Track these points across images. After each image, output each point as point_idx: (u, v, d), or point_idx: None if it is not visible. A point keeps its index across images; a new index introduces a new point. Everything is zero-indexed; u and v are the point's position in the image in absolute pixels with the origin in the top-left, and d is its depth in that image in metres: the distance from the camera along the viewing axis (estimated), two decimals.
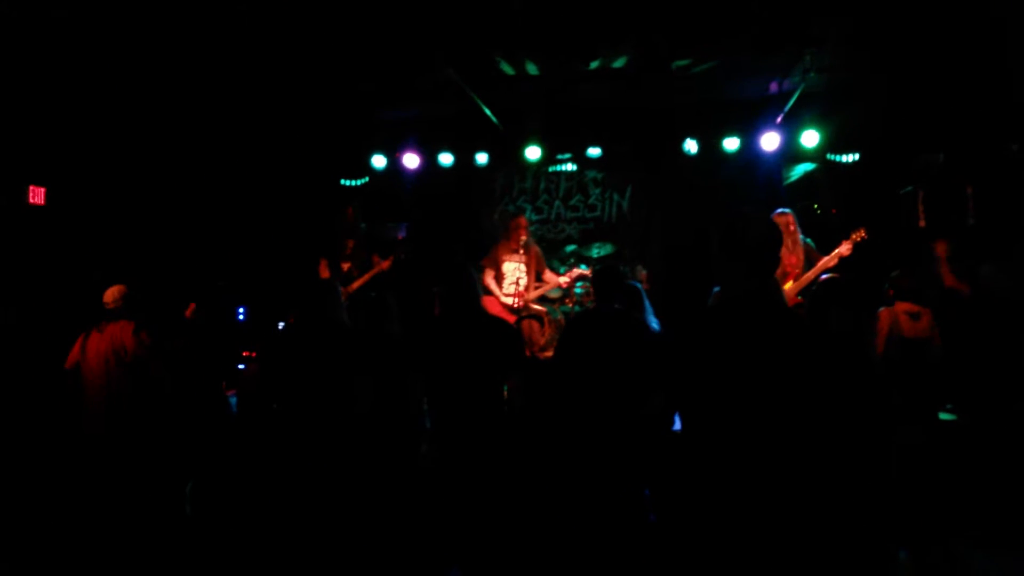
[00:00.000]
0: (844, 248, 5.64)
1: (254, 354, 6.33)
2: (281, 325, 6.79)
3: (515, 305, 6.73)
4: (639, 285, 4.57)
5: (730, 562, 2.03)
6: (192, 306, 5.72)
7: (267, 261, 7.85)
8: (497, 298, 6.81)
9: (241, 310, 7.36)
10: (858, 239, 5.62)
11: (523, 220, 6.97)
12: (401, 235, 8.70)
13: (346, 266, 6.86)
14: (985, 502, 4.24)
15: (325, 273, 6.76)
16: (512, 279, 6.85)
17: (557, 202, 8.85)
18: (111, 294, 4.89)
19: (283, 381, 3.95)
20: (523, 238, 6.82)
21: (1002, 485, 4.28)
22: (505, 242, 6.96)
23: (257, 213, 7.94)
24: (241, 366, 6.22)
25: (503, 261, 6.93)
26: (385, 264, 6.75)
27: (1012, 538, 4.05)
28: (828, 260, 5.64)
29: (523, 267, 6.86)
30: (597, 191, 8.80)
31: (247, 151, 7.71)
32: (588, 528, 3.74)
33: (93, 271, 5.98)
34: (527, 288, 6.82)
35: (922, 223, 6.87)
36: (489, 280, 6.87)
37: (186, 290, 6.23)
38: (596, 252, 8.67)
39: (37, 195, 6.33)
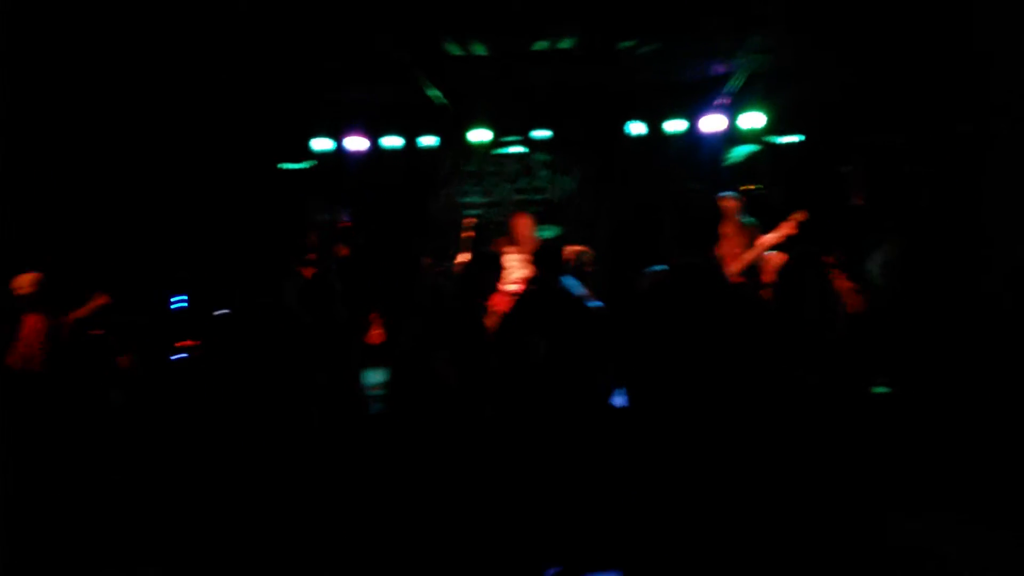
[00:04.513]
0: (784, 228, 5.73)
1: (196, 343, 6.15)
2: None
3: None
4: None
5: None
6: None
7: (206, 249, 7.63)
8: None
9: (180, 299, 7.12)
10: (798, 221, 5.72)
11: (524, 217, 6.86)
12: (345, 220, 8.56)
13: (312, 257, 6.80)
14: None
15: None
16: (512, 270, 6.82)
17: (505, 184, 8.83)
18: (24, 281, 4.75)
19: None
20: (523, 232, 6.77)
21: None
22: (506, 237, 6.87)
23: (195, 199, 7.71)
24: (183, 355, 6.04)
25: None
26: (343, 250, 6.72)
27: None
28: (768, 240, 5.73)
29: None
30: (545, 173, 8.79)
31: (183, 134, 7.47)
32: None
33: (43, 257, 5.79)
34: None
35: (859, 201, 7.03)
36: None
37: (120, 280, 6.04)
38: (544, 234, 8.65)
39: None
